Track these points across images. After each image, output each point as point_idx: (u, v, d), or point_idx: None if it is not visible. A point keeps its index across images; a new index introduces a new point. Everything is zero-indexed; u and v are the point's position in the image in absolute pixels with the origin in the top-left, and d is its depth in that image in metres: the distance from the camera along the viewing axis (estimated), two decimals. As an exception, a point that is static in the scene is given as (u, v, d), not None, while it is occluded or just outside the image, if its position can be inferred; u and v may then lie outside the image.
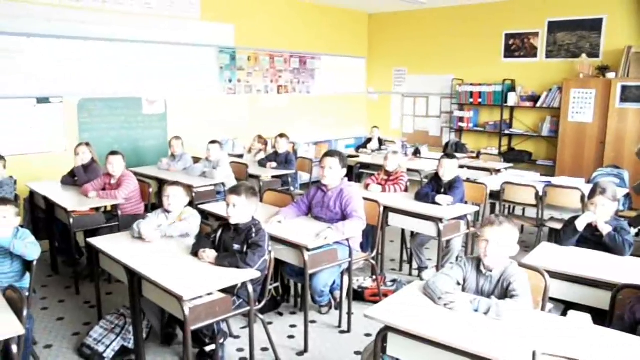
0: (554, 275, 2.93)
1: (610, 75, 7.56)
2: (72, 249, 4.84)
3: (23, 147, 6.24)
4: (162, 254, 3.38)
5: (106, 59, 6.87)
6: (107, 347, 3.55)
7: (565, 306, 3.12)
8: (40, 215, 5.40)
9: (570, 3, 8.12)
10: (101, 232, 4.65)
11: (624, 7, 7.67)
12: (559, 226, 5.02)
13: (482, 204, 5.33)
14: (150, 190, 5.40)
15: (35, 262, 3.35)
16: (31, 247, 3.31)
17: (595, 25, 7.94)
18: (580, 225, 3.53)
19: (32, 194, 5.45)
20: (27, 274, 3.43)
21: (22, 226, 3.45)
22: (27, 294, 3.15)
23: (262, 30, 8.68)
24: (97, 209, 4.97)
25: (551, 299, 2.93)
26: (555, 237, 3.74)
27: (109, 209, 5.10)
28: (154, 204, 5.75)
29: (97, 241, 3.68)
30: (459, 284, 2.71)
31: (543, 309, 2.72)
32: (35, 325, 3.65)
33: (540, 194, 5.40)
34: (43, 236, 5.35)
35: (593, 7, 7.91)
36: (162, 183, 5.90)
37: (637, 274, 2.88)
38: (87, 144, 5.55)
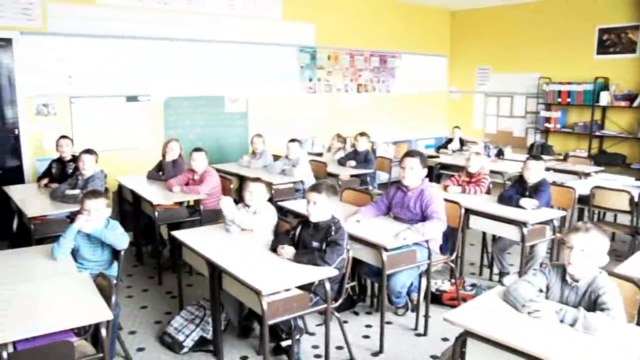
0: (651, 287, 2.73)
1: None
2: (156, 241, 5.03)
3: (113, 143, 6.58)
4: (242, 249, 3.44)
5: (191, 59, 7.11)
6: (187, 336, 3.66)
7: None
8: (127, 208, 5.64)
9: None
10: (184, 225, 4.81)
11: None
12: (656, 234, 4.72)
13: (569, 208, 5.07)
14: (232, 186, 5.54)
15: (123, 252, 3.50)
16: (120, 237, 3.46)
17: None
18: None
19: (121, 187, 5.72)
20: (115, 263, 3.59)
21: (111, 217, 3.61)
22: (115, 281, 3.30)
23: (342, 29, 8.69)
24: (180, 203, 5.14)
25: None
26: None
27: (191, 203, 5.26)
28: (235, 199, 5.86)
29: (180, 234, 3.80)
30: (541, 291, 2.57)
31: (638, 323, 2.54)
32: (120, 311, 3.82)
33: (636, 199, 5.06)
34: (129, 228, 5.62)
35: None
36: (242, 179, 6.04)
37: None
38: (177, 141, 5.78)
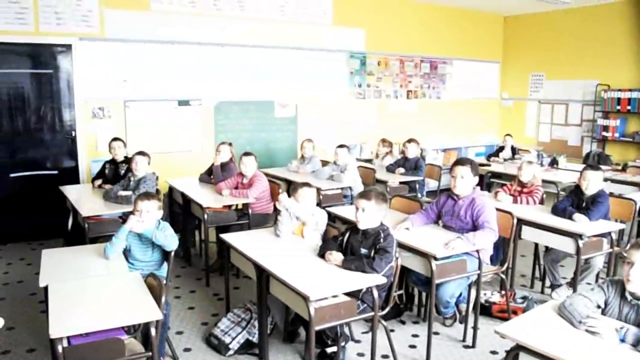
0: None
1: None
2: (206, 243, 5.10)
3: (165, 145, 6.74)
4: (290, 253, 3.45)
5: (241, 64, 7.22)
6: (233, 339, 3.69)
7: None
8: (177, 210, 5.75)
9: None
10: (232, 228, 4.85)
11: None
12: None
13: (628, 221, 4.87)
14: (280, 190, 5.55)
15: (172, 253, 3.56)
16: (170, 239, 3.52)
17: None
18: None
19: (171, 189, 5.83)
20: (165, 264, 3.65)
21: (162, 219, 3.67)
22: (164, 282, 3.35)
23: (393, 35, 8.65)
24: (229, 207, 5.20)
25: None
26: None
27: (240, 207, 5.31)
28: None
29: (228, 237, 3.84)
30: (599, 307, 2.47)
31: None
32: (169, 311, 3.87)
33: (700, 213, 4.83)
34: (178, 230, 5.72)
35: None
36: (290, 184, 6.06)
37: None
38: (230, 144, 5.87)
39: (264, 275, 3.31)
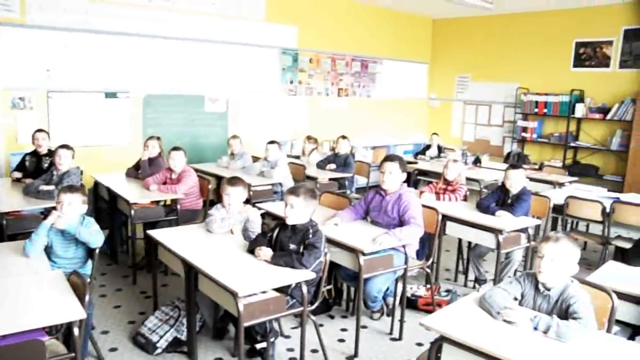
0: (621, 296, 2.77)
1: (689, 89, 7.17)
2: (133, 240, 4.97)
3: (90, 139, 6.51)
4: (219, 250, 3.42)
5: (172, 57, 7.06)
6: (161, 337, 3.62)
7: (633, 330, 2.96)
8: (103, 206, 5.57)
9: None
10: (160, 225, 4.77)
11: None
12: (626, 245, 4.81)
13: (544, 217, 5.14)
14: (210, 186, 5.50)
15: (97, 250, 3.46)
16: (95, 235, 3.41)
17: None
18: None
19: (97, 184, 5.64)
20: (90, 261, 3.54)
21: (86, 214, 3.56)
22: (89, 280, 3.25)
23: (325, 33, 8.72)
24: (157, 202, 5.09)
25: (617, 321, 2.79)
26: (622, 256, 3.57)
27: (168, 202, 5.21)
28: (212, 200, 5.84)
29: (156, 233, 3.77)
30: (515, 299, 2.61)
31: (608, 331, 2.59)
32: (93, 311, 3.76)
33: (607, 210, 5.16)
34: (104, 226, 5.54)
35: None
36: (220, 180, 6.00)
37: None
38: (158, 138, 5.74)
39: (192, 272, 3.28)
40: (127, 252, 5.46)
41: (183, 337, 3.63)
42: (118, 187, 5.19)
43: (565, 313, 2.44)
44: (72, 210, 3.39)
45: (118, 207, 5.22)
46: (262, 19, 7.88)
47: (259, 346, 3.51)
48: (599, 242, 5.34)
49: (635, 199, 5.45)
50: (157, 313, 3.82)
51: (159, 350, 3.60)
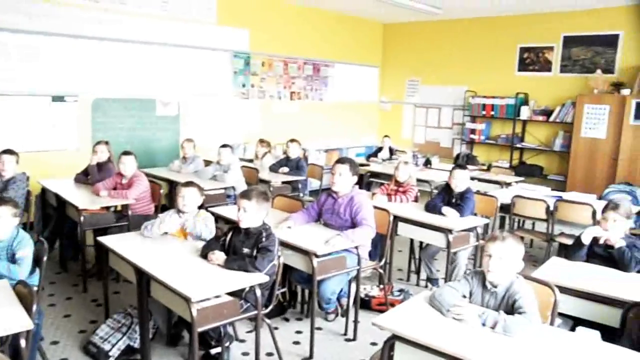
0: (563, 290, 2.90)
1: (625, 91, 7.53)
2: (82, 247, 4.87)
3: (37, 144, 6.32)
4: (171, 255, 3.39)
5: (122, 60, 6.94)
6: (113, 345, 3.56)
7: (574, 322, 3.09)
8: (51, 213, 5.43)
9: (586, 19, 8.11)
10: (111, 231, 4.68)
11: (640, 24, 7.66)
12: (568, 241, 5.01)
13: (492, 217, 5.30)
14: (161, 191, 5.44)
15: (45, 259, 3.35)
16: (14, 270, 3.11)
17: (610, 42, 7.93)
18: (586, 238, 3.51)
19: (44, 190, 5.49)
20: (37, 270, 3.44)
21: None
22: (36, 289, 3.16)
23: (277, 36, 8.73)
24: (107, 208, 5.00)
25: (560, 314, 2.91)
26: (565, 252, 3.72)
27: (119, 208, 5.12)
28: (164, 205, 5.78)
29: (106, 240, 3.70)
30: (464, 297, 2.68)
31: (552, 324, 2.70)
32: (43, 321, 3.66)
33: (551, 208, 5.37)
34: (53, 233, 5.41)
35: (609, 23, 7.90)
36: (172, 185, 5.94)
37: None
38: (107, 143, 5.63)
39: (144, 278, 3.23)
40: (77, 260, 5.33)
41: (136, 345, 3.58)
42: (66, 193, 5.07)
43: (511, 308, 2.53)
44: (1, 225, 3.19)
45: (67, 214, 5.09)
46: (214, 22, 7.83)
47: (213, 351, 3.50)
48: (544, 239, 5.55)
49: (577, 198, 5.69)
50: (108, 321, 3.75)
51: (111, 359, 3.53)
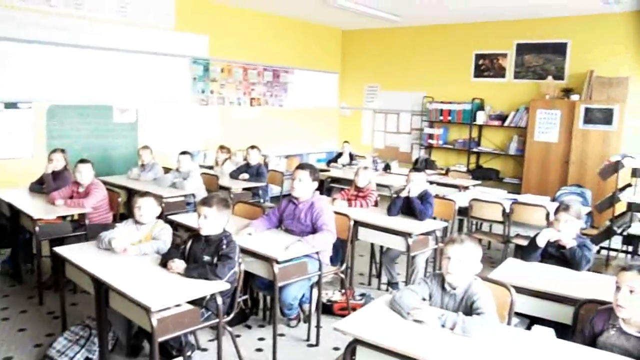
0: (519, 290, 2.97)
1: (574, 97, 7.80)
2: (38, 259, 4.74)
3: (-12, 153, 6.13)
4: (129, 264, 3.34)
5: (78, 66, 6.80)
6: (71, 358, 3.49)
7: (530, 321, 3.18)
8: (4, 223, 5.27)
9: (537, 27, 8.37)
10: (68, 241, 4.57)
11: (587, 32, 7.94)
12: (524, 242, 5.13)
13: (450, 220, 5.39)
14: (119, 199, 5.35)
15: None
16: None
17: (560, 49, 8.21)
18: (541, 241, 3.62)
19: (-3, 200, 5.33)
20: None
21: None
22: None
23: (236, 43, 8.71)
24: (63, 218, 4.89)
25: (517, 313, 2.99)
26: (521, 253, 3.82)
27: (76, 217, 5.01)
28: (123, 213, 5.68)
29: (63, 250, 3.62)
30: (424, 299, 2.73)
31: (509, 323, 2.77)
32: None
33: (507, 211, 5.51)
34: (6, 244, 5.26)
35: (558, 31, 8.18)
36: (131, 193, 5.85)
37: (598, 289, 2.96)
38: (62, 151, 5.50)
39: (102, 289, 3.18)
40: (33, 272, 5.19)
41: (95, 357, 3.51)
42: (20, 202, 4.93)
43: (470, 309, 2.59)
44: None
45: (21, 224, 4.96)
46: (172, 28, 7.76)
47: (174, 361, 3.46)
48: (501, 240, 5.68)
49: (531, 200, 5.86)
50: (66, 334, 3.66)
51: (68, 372, 3.46)
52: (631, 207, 5.98)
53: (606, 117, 7.49)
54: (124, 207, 5.86)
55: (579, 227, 3.70)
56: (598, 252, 6.26)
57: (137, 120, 7.54)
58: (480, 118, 8.87)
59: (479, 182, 7.45)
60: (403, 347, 2.31)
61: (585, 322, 2.62)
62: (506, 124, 8.65)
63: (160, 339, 2.84)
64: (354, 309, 4.29)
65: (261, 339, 4.12)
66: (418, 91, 9.75)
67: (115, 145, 7.34)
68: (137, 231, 3.72)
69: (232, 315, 3.38)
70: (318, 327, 4.08)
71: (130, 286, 2.93)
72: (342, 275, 4.41)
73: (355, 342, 2.48)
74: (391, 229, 4.55)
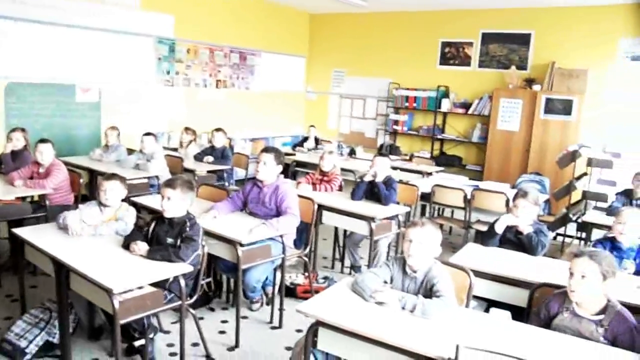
0: (478, 274, 3.06)
1: (536, 87, 7.97)
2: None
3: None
4: (91, 246, 3.30)
5: (39, 42, 6.61)
6: (30, 342, 3.43)
7: (488, 304, 3.27)
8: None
9: (502, 17, 8.50)
10: (27, 222, 4.48)
11: (549, 24, 8.10)
12: (484, 228, 5.24)
13: (413, 205, 5.48)
14: (81, 180, 5.26)
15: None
16: None
17: (524, 40, 8.36)
18: (499, 227, 3.73)
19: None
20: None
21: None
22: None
23: (203, 23, 8.59)
24: (23, 199, 4.79)
25: (475, 297, 3.08)
26: (481, 238, 3.92)
27: (36, 199, 4.92)
28: (85, 195, 5.59)
29: (22, 231, 3.54)
30: (386, 282, 2.78)
31: (467, 306, 2.85)
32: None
33: (468, 197, 5.63)
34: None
35: (523, 22, 8.33)
36: (93, 174, 5.76)
37: (552, 273, 3.07)
38: (23, 130, 5.37)
39: (63, 271, 3.14)
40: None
41: (55, 340, 3.46)
42: (-24, 183, 4.81)
43: (430, 292, 2.66)
44: None
45: (-23, 205, 4.84)
46: (137, 7, 7.59)
47: (137, 343, 3.43)
48: (462, 226, 5.81)
49: (492, 187, 5.99)
50: (25, 317, 3.59)
51: (28, 357, 3.40)
52: (586, 195, 6.18)
53: (566, 107, 7.69)
54: (86, 188, 5.76)
55: (536, 214, 3.82)
56: (554, 238, 6.47)
57: (100, 100, 7.39)
58: (445, 105, 8.99)
59: (442, 168, 7.57)
60: (364, 328, 2.36)
61: (539, 305, 2.72)
62: (470, 112, 8.79)
63: (122, 322, 2.83)
64: (317, 292, 4.32)
65: (224, 322, 4.14)
66: (384, 77, 9.80)
67: (77, 125, 7.18)
68: (100, 213, 3.67)
69: (195, 298, 3.38)
70: (281, 309, 4.12)
71: (91, 268, 2.90)
72: (306, 259, 4.44)
73: (317, 324, 2.51)
74: (355, 213, 4.61)
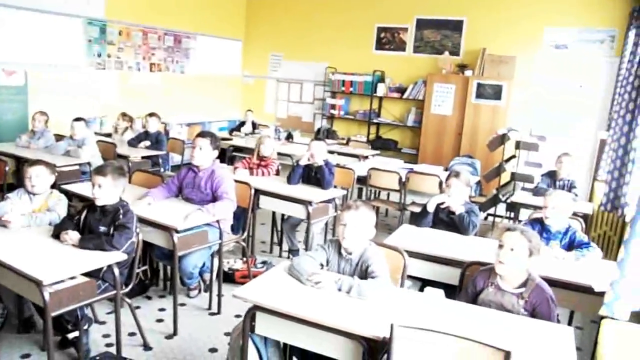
0: (412, 254, 3.15)
1: (468, 73, 8.21)
2: None
3: None
4: (19, 237, 3.17)
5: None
6: (-46, 336, 3.29)
7: (422, 283, 3.38)
8: None
9: (436, 3, 8.69)
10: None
11: (481, 11, 8.34)
12: (418, 210, 5.41)
13: (349, 188, 5.56)
14: (7, 168, 5.04)
15: None
16: None
17: (457, 26, 8.58)
18: (430, 206, 3.85)
19: None
20: None
21: None
22: None
23: (135, 4, 8.32)
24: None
25: (410, 276, 3.17)
26: (415, 218, 4.03)
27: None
28: (11, 183, 5.36)
29: (-59, 222, 3.37)
30: (322, 265, 2.83)
31: (402, 286, 2.93)
32: None
33: (403, 179, 5.76)
34: None
35: (455, 8, 8.53)
36: (20, 161, 5.53)
37: (483, 252, 3.20)
38: None
39: (-12, 262, 3.01)
40: None
41: (-19, 334, 3.34)
42: None
43: (365, 273, 2.72)
44: None
45: None
46: (63, -14, 7.27)
47: (71, 336, 3.34)
48: (397, 208, 5.94)
49: (426, 169, 6.15)
50: (-53, 312, 3.45)
51: (-48, 353, 3.27)
52: (514, 177, 6.44)
53: (496, 92, 7.96)
54: (12, 176, 5.52)
55: (467, 194, 3.96)
56: (485, 218, 6.72)
57: (26, 84, 7.05)
58: (381, 90, 9.11)
59: (378, 152, 7.70)
60: (301, 311, 2.39)
61: (468, 282, 2.84)
62: (405, 96, 8.95)
63: (54, 314, 2.75)
64: (255, 277, 4.34)
65: (162, 310, 4.09)
66: (321, 62, 9.82)
67: (1, 110, 6.84)
68: (30, 202, 3.53)
69: (130, 287, 3.33)
70: (219, 295, 4.10)
71: (19, 259, 2.80)
72: (244, 244, 4.44)
73: (255, 309, 2.52)
74: (292, 197, 4.63)
